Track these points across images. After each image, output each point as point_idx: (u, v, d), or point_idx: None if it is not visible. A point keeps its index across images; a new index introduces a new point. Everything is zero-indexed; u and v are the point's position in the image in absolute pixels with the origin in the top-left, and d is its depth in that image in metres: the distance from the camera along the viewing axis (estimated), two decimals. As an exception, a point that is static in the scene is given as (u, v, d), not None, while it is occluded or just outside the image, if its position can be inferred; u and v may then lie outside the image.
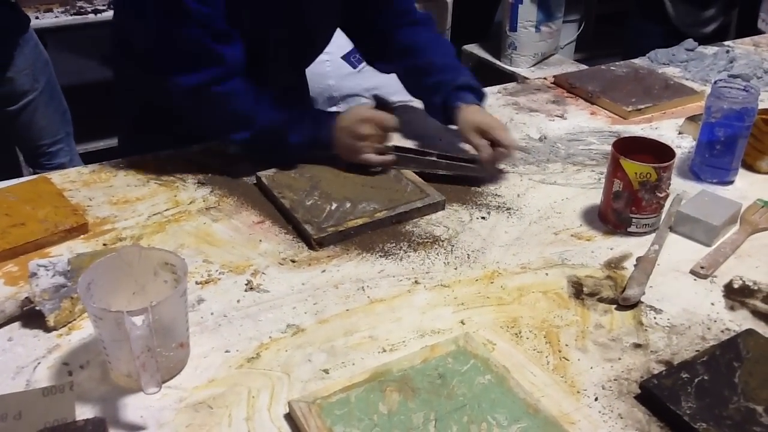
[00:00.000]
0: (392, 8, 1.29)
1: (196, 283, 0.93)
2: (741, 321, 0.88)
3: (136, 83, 1.23)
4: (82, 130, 2.16)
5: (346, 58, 2.04)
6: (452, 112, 1.20)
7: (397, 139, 1.23)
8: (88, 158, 1.88)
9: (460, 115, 1.19)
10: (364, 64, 2.00)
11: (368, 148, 1.13)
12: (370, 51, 1.37)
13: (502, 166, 1.20)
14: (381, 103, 1.14)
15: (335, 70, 1.84)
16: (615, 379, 0.79)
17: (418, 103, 1.35)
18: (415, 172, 1.15)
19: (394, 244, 1.01)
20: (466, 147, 1.21)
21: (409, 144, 1.25)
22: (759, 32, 1.99)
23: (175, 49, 1.07)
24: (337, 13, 1.25)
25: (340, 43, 1.46)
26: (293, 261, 0.97)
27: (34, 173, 1.78)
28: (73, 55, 2.65)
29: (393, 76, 1.34)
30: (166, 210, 1.08)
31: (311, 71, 1.44)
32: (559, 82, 1.59)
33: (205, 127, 1.18)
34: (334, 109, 1.80)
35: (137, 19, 1.13)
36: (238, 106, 1.12)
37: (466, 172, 1.16)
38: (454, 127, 1.22)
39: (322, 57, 1.43)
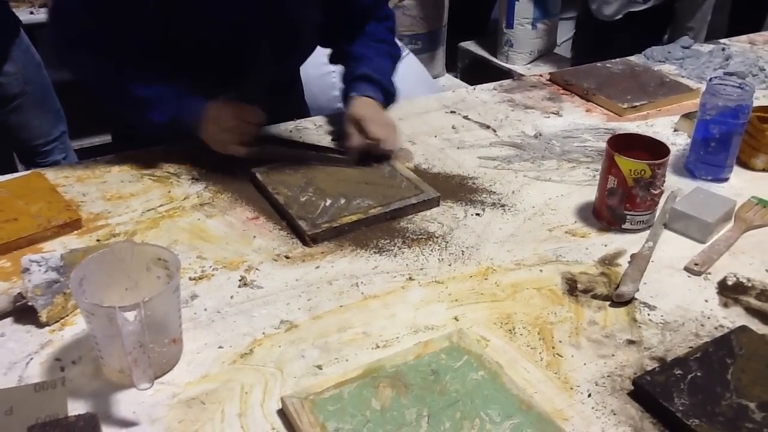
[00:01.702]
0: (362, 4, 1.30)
1: (190, 279, 0.92)
2: (734, 318, 0.88)
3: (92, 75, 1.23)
4: (77, 127, 2.15)
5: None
6: (346, 99, 1.23)
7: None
8: (83, 154, 1.87)
9: (349, 104, 1.21)
10: None
11: (233, 139, 1.14)
12: (333, 41, 1.38)
13: (372, 159, 1.19)
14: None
15: (318, 76, 1.84)
16: (608, 376, 0.79)
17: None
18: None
19: (388, 241, 1.01)
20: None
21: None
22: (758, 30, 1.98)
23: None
24: (319, 3, 1.24)
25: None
26: (287, 257, 0.97)
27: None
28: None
29: (401, 81, 1.34)
30: (159, 206, 1.08)
31: (319, 84, 1.44)
32: (555, 79, 1.58)
33: (95, 96, 1.20)
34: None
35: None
36: (116, 78, 1.13)
37: (335, 163, 1.17)
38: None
39: (327, 68, 1.43)
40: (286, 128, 1.33)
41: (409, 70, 2.22)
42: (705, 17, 3.29)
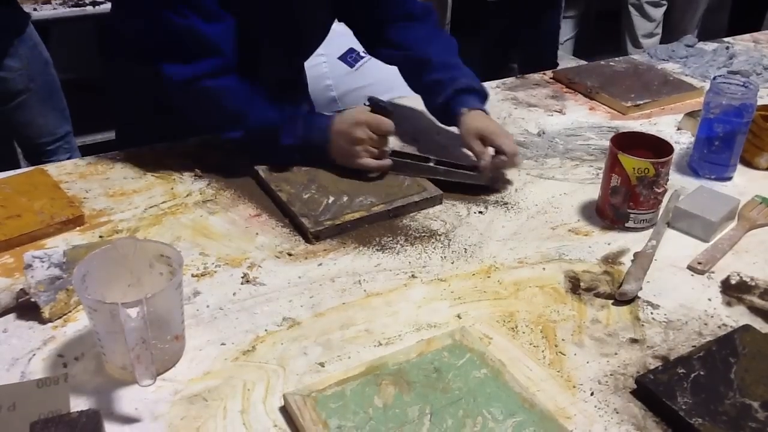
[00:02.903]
0: (385, 0, 1.26)
1: (192, 275, 0.92)
2: (738, 317, 0.88)
3: (129, 77, 1.22)
4: (80, 124, 2.15)
5: (342, 58, 2.03)
6: (455, 116, 1.17)
7: (392, 139, 1.21)
8: (87, 151, 1.87)
9: (462, 120, 1.15)
10: (361, 62, 2.00)
11: (364, 152, 1.10)
12: (366, 43, 1.35)
13: (502, 174, 1.16)
14: (377, 106, 1.11)
15: (332, 70, 1.84)
16: (611, 374, 0.79)
17: (413, 101, 1.33)
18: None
19: (390, 238, 1.01)
20: (467, 152, 1.17)
21: (406, 148, 1.23)
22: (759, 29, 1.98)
23: (167, 37, 1.05)
24: (329, 3, 1.24)
25: (337, 42, 1.45)
26: (290, 254, 0.97)
27: (33, 169, 1.78)
28: (71, 47, 2.64)
29: (390, 73, 1.32)
30: (162, 203, 1.08)
31: (309, 73, 1.43)
32: (558, 77, 1.58)
33: (198, 122, 1.16)
34: (336, 109, 1.78)
35: (130, 6, 1.12)
36: (231, 103, 1.10)
37: (465, 180, 1.12)
38: (453, 129, 1.20)
39: (319, 58, 1.42)
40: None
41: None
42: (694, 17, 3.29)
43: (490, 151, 1.11)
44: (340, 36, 1.39)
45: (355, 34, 1.34)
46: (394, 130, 1.12)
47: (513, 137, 1.15)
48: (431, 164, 1.14)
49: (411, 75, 1.27)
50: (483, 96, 1.21)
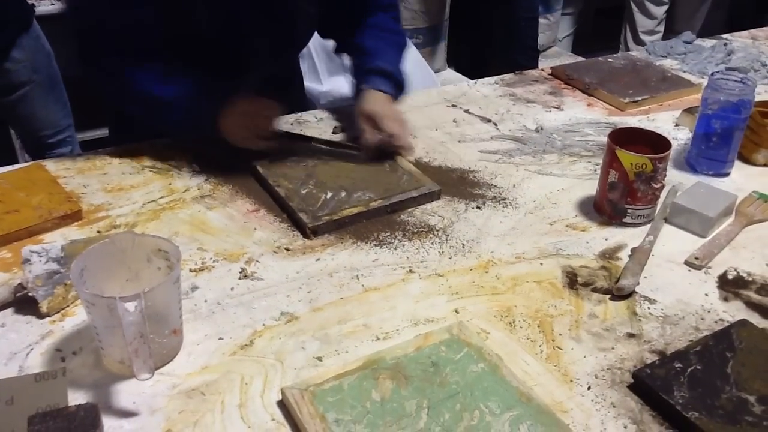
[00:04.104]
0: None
1: (190, 270, 0.92)
2: (735, 312, 0.88)
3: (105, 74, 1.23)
4: (79, 120, 2.15)
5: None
6: (358, 94, 1.21)
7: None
8: (87, 147, 1.87)
9: (358, 99, 1.19)
10: None
11: (251, 133, 1.13)
12: (335, 33, 1.37)
13: (389, 155, 1.17)
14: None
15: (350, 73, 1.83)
16: (608, 369, 0.79)
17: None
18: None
19: (388, 233, 1.01)
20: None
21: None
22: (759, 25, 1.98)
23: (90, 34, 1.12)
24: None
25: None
26: (288, 249, 0.97)
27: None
28: (69, 43, 2.63)
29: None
30: (160, 198, 1.08)
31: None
32: (557, 73, 1.58)
33: (113, 102, 1.22)
34: (338, 64, 1.78)
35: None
36: (133, 81, 1.12)
37: (350, 159, 1.16)
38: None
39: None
40: (287, 121, 1.32)
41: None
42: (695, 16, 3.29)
43: (375, 132, 1.14)
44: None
45: (325, 29, 1.36)
46: (279, 112, 1.17)
47: (403, 120, 1.18)
48: (317, 144, 1.19)
49: (351, 60, 1.32)
50: (394, 83, 1.23)
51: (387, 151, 1.17)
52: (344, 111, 1.36)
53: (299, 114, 1.35)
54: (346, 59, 1.38)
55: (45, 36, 1.86)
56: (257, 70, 1.22)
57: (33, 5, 1.98)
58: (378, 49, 1.26)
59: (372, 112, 1.16)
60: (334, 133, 1.28)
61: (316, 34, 1.37)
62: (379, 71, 1.22)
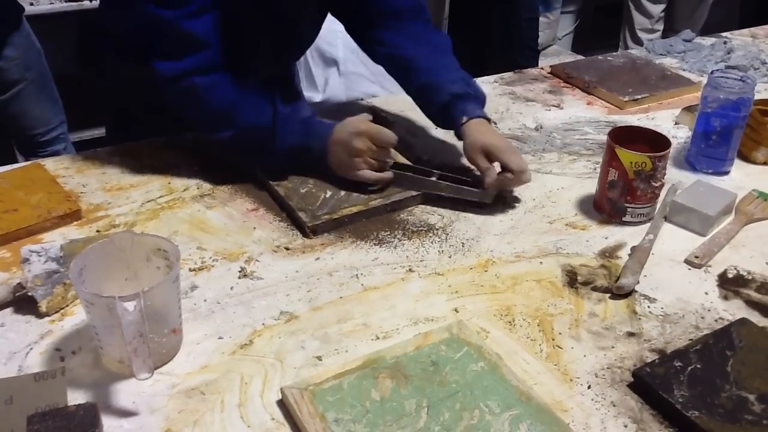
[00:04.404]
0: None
1: (190, 270, 0.92)
2: (735, 310, 0.88)
3: (119, 75, 1.20)
4: (75, 119, 2.15)
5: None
6: (455, 124, 1.09)
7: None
8: (82, 147, 1.86)
9: (465, 132, 1.07)
10: None
11: (363, 164, 1.05)
12: (357, 39, 1.29)
13: (509, 192, 1.11)
14: (378, 116, 1.05)
15: (347, 42, 1.77)
16: (608, 368, 0.79)
17: (415, 115, 1.28)
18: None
19: (388, 232, 1.01)
20: (469, 164, 1.11)
21: (402, 145, 1.17)
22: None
23: (153, 33, 1.02)
24: (318, 1, 1.21)
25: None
26: (287, 248, 0.97)
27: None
28: (67, 42, 2.63)
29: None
30: (160, 197, 1.08)
31: (321, 38, 1.36)
32: (556, 72, 1.58)
33: (188, 120, 1.11)
34: (334, 72, 1.73)
35: (116, 1, 1.12)
36: (221, 99, 1.05)
37: (468, 196, 1.06)
38: (455, 141, 1.14)
39: (335, 26, 1.35)
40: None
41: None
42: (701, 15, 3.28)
43: (497, 167, 1.04)
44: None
45: (347, 30, 1.29)
46: (395, 142, 1.06)
47: (519, 152, 1.08)
48: (433, 179, 1.08)
49: (398, 76, 1.20)
50: (480, 100, 1.14)
51: (509, 188, 1.09)
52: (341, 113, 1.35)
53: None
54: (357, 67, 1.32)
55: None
56: (257, 71, 1.22)
57: (31, 3, 1.97)
58: (451, 66, 1.15)
59: (488, 145, 1.04)
60: (433, 172, 1.11)
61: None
62: (467, 96, 1.11)
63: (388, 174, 1.07)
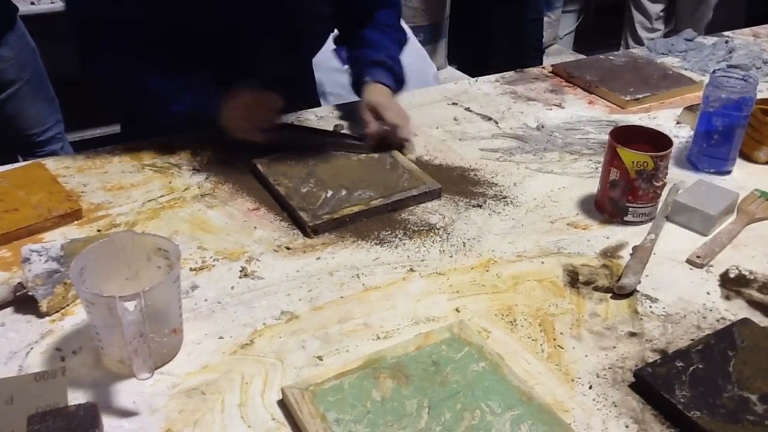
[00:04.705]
0: None
1: (191, 269, 0.92)
2: (736, 310, 0.88)
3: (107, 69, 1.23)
4: (74, 119, 2.15)
5: (337, 51, 2.01)
6: (361, 87, 1.22)
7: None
8: (80, 147, 1.87)
9: (363, 90, 1.21)
10: None
11: (252, 125, 1.13)
12: (345, 32, 1.38)
13: (391, 146, 1.18)
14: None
15: (321, 62, 1.82)
16: (609, 368, 0.78)
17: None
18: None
19: (389, 232, 1.01)
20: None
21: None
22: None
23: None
24: None
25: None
26: (288, 248, 0.97)
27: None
28: (68, 42, 2.63)
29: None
30: (160, 196, 1.08)
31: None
32: (558, 71, 1.58)
33: (117, 97, 1.22)
34: (324, 104, 1.79)
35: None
36: (134, 73, 1.13)
37: (351, 150, 1.17)
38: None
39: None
40: (288, 119, 1.32)
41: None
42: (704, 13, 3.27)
43: (379, 123, 1.16)
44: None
45: (338, 24, 1.36)
46: (281, 105, 1.17)
47: (406, 114, 1.19)
48: (320, 135, 1.21)
49: (350, 51, 1.33)
50: (396, 76, 1.25)
51: (389, 143, 1.18)
52: (346, 109, 1.36)
53: (299, 112, 1.35)
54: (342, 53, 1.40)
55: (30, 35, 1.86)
56: (263, 69, 1.22)
57: (32, 3, 1.97)
58: (380, 43, 1.28)
59: (375, 103, 1.18)
60: (335, 129, 1.27)
61: None
62: (380, 63, 1.24)
63: (274, 135, 1.16)
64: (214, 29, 1.12)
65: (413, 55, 2.41)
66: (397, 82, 1.26)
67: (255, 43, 1.17)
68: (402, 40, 1.36)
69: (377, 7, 1.33)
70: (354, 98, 1.31)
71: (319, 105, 1.49)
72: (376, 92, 1.20)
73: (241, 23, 1.13)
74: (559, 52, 3.23)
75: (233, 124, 1.14)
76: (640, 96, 1.43)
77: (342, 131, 1.27)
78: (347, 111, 1.35)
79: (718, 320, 0.86)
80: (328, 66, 1.87)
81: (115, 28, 1.10)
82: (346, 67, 1.38)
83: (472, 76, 1.59)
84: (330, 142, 1.19)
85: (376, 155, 1.16)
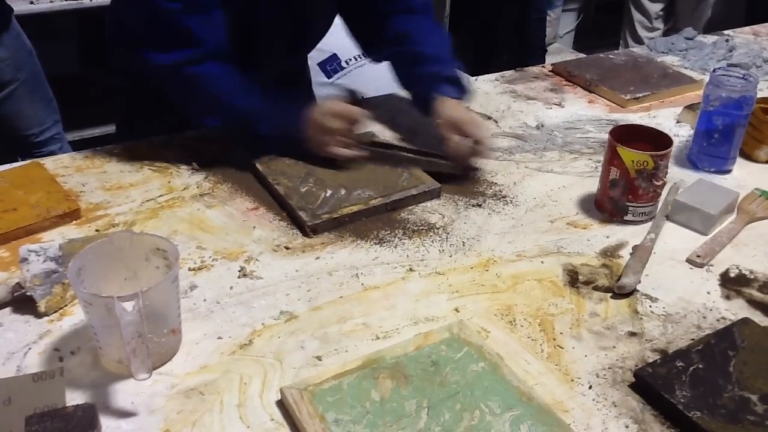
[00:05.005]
0: None
1: (189, 269, 0.92)
2: (737, 310, 0.87)
3: (126, 70, 1.22)
4: (72, 119, 2.14)
5: (322, 65, 1.99)
6: (430, 104, 1.16)
7: (391, 133, 1.22)
8: (82, 146, 1.86)
9: (436, 107, 1.14)
10: (340, 74, 1.96)
11: (338, 141, 1.10)
12: (364, 37, 1.34)
13: (476, 163, 1.15)
14: (353, 97, 1.13)
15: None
16: (609, 368, 0.78)
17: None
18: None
19: (388, 232, 1.01)
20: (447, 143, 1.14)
21: (404, 142, 1.23)
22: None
23: (152, 25, 1.07)
24: None
25: (319, 47, 1.44)
26: (287, 248, 0.97)
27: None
28: (68, 41, 2.63)
29: (368, 85, 1.31)
30: (159, 196, 1.07)
31: None
32: (558, 70, 1.58)
33: (180, 108, 1.16)
34: None
35: None
36: (211, 90, 1.10)
37: (440, 169, 1.12)
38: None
39: None
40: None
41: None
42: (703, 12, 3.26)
43: (464, 139, 1.10)
44: (325, 42, 1.37)
45: (353, 29, 1.32)
46: (364, 118, 1.14)
47: (485, 126, 1.16)
48: (405, 153, 1.15)
49: (402, 68, 1.25)
50: (463, 89, 1.20)
51: (473, 158, 1.13)
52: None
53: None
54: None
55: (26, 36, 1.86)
56: (271, 66, 1.22)
57: (31, 2, 1.96)
58: (439, 55, 1.22)
59: (455, 118, 1.12)
60: (403, 147, 1.20)
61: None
62: (447, 79, 1.18)
63: (360, 151, 1.13)
64: (229, 26, 1.12)
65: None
66: (465, 93, 1.20)
67: (265, 40, 1.17)
68: (450, 45, 1.27)
69: (414, 9, 1.26)
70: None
71: (314, 98, 1.49)
72: (452, 106, 1.14)
73: (255, 21, 1.13)
74: (559, 51, 3.23)
75: (316, 140, 1.11)
76: (641, 95, 1.43)
77: (381, 140, 1.22)
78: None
79: (718, 320, 0.86)
80: (315, 80, 1.86)
81: (137, 24, 1.08)
82: (331, 80, 1.36)
83: (473, 76, 1.59)
84: (416, 161, 1.14)
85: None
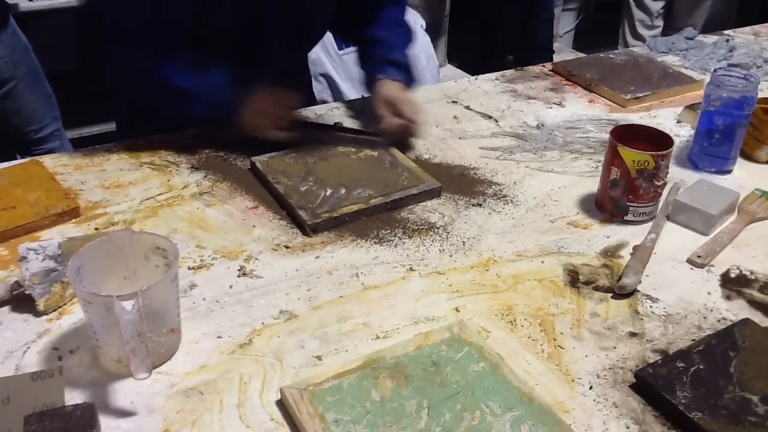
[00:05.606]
0: None
1: (189, 268, 0.92)
2: (737, 310, 0.87)
3: (124, 67, 1.21)
4: (72, 117, 2.14)
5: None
6: (373, 84, 1.23)
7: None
8: (82, 144, 1.86)
9: (375, 86, 1.21)
10: (346, 50, 2.01)
11: (271, 124, 1.14)
12: (347, 21, 1.38)
13: (406, 139, 1.21)
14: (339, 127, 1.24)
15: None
16: (610, 368, 0.78)
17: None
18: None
19: (388, 231, 1.01)
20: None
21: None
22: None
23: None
24: None
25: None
26: (287, 247, 0.96)
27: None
28: (67, 38, 2.62)
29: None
30: (159, 195, 1.07)
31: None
32: (558, 69, 1.57)
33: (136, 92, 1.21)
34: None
35: None
36: (146, 67, 1.13)
37: (367, 145, 1.18)
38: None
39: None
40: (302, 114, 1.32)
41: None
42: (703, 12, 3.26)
43: (396, 118, 1.17)
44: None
45: (337, 25, 1.38)
46: (298, 103, 1.21)
47: (420, 106, 1.20)
48: (336, 131, 1.23)
49: (361, 48, 1.36)
50: (409, 75, 1.26)
51: (405, 137, 1.19)
52: (347, 107, 1.36)
53: (299, 111, 1.34)
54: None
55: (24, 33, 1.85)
56: (271, 64, 1.22)
57: (9, 6, 1.95)
58: (392, 42, 1.29)
59: (391, 97, 1.18)
60: (335, 126, 1.27)
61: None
62: (394, 62, 1.25)
63: (294, 133, 1.17)
64: (230, 23, 1.12)
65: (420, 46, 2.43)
66: (411, 80, 1.26)
67: (265, 37, 1.17)
68: (410, 39, 1.36)
69: (384, 5, 1.33)
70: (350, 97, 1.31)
71: (314, 99, 1.50)
72: (391, 87, 1.21)
73: (255, 18, 1.13)
74: (559, 51, 3.22)
75: (251, 123, 1.14)
76: (641, 95, 1.43)
77: (313, 120, 1.29)
78: (348, 108, 1.35)
79: (719, 320, 0.86)
80: (324, 53, 1.90)
81: (136, 24, 1.09)
82: (342, 52, 1.41)
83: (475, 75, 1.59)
84: (347, 138, 1.20)
85: (375, 153, 1.16)
